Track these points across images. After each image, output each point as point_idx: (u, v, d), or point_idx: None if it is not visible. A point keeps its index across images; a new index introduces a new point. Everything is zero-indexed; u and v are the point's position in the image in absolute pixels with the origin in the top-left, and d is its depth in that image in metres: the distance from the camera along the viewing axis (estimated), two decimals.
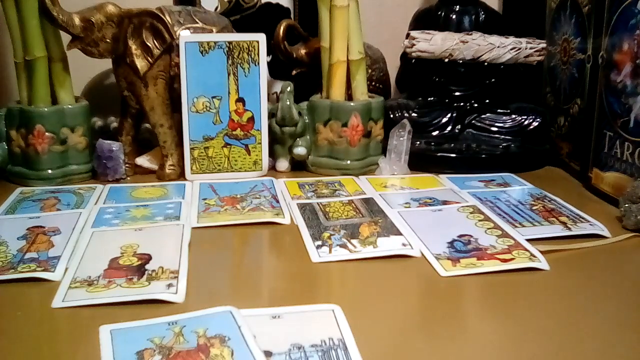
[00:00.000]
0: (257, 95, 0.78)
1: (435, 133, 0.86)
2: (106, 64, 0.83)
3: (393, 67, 0.96)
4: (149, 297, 0.46)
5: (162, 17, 0.75)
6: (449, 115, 0.86)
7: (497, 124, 0.86)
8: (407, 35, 0.87)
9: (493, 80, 0.88)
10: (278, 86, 0.90)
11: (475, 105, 0.87)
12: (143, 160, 0.81)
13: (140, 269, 0.51)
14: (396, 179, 0.78)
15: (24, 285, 0.49)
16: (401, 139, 0.80)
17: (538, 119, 0.85)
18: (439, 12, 0.91)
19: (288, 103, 0.78)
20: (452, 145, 0.84)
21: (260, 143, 0.79)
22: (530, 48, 0.86)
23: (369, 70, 0.89)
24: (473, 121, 0.86)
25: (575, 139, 0.82)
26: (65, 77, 0.77)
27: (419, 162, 0.81)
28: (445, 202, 0.68)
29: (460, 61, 0.86)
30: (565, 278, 0.51)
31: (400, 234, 0.59)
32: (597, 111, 0.73)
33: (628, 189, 0.63)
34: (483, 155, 0.82)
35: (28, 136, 0.74)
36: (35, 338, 0.42)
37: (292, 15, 0.97)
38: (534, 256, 0.54)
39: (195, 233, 0.59)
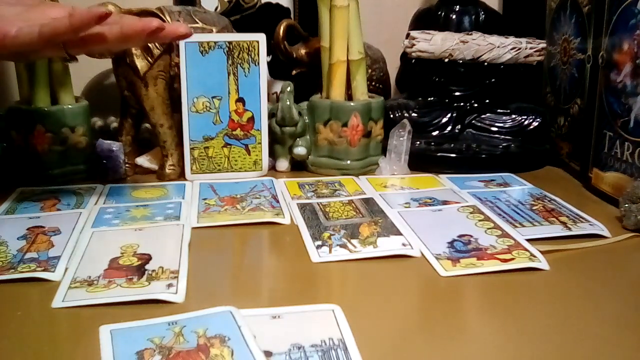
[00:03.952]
0: (257, 95, 0.78)
1: (435, 133, 0.86)
2: (106, 64, 0.83)
3: (393, 67, 0.96)
4: (149, 297, 0.46)
5: (162, 17, 0.75)
6: (449, 115, 0.86)
7: (497, 124, 0.86)
8: (407, 35, 0.87)
9: (493, 80, 0.88)
10: (278, 86, 0.90)
11: (475, 105, 0.87)
12: (143, 160, 0.81)
13: (140, 269, 0.51)
14: (396, 179, 0.78)
15: (24, 285, 0.49)
16: (401, 139, 0.80)
17: (538, 119, 0.85)
18: (439, 12, 0.91)
19: (288, 103, 0.78)
20: (452, 145, 0.84)
21: (260, 143, 0.79)
22: (530, 48, 0.86)
23: (369, 70, 0.89)
24: (473, 121, 0.86)
25: (575, 139, 0.82)
26: (65, 77, 0.77)
27: (419, 162, 0.81)
28: (445, 202, 0.68)
29: (460, 61, 0.86)
30: (565, 278, 0.51)
31: (400, 234, 0.59)
32: (597, 111, 0.73)
33: (628, 189, 0.63)
34: (483, 155, 0.82)
35: (28, 136, 0.74)
36: (35, 338, 0.42)
37: (292, 15, 0.97)
38: (534, 256, 0.54)
39: (195, 233, 0.59)
